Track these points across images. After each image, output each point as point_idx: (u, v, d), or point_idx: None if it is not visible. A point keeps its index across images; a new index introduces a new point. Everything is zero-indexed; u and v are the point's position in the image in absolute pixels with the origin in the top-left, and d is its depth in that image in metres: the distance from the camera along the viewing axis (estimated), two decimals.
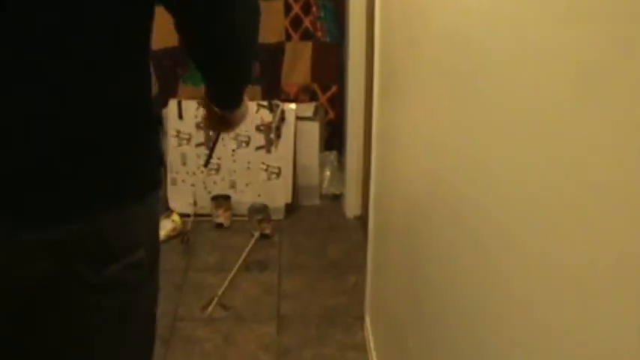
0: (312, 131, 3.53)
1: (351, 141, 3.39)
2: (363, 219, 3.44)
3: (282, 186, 3.48)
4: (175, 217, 3.30)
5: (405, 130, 1.82)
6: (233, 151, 3.46)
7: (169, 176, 3.52)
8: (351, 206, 3.49)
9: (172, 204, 3.49)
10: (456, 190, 1.26)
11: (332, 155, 3.71)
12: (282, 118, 3.44)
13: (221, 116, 1.44)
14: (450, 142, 1.30)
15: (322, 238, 3.31)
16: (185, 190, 3.50)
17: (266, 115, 3.43)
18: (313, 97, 3.66)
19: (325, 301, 2.80)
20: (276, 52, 3.55)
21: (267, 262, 3.10)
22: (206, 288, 2.88)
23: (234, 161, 3.47)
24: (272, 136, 3.43)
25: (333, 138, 3.74)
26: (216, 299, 2.77)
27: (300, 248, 3.22)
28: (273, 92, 3.61)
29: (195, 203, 3.50)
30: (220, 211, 3.38)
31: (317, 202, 3.66)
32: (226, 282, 2.90)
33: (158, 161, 1.24)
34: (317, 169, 3.61)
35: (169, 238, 3.23)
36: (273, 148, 3.45)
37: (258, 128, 3.43)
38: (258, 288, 2.90)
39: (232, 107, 1.43)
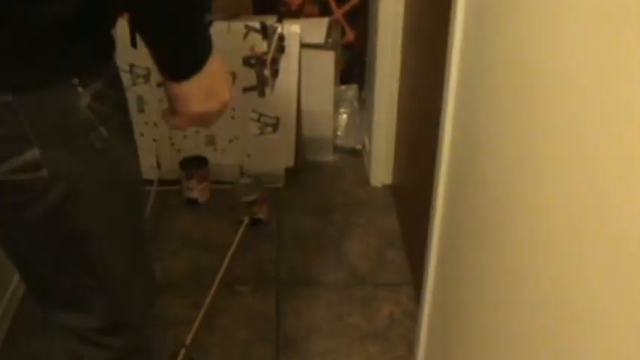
0: (325, 63, 2.46)
1: (380, 72, 2.31)
2: (395, 191, 2.45)
3: (281, 143, 2.46)
4: None
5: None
6: None
7: None
8: (379, 170, 2.48)
9: None
10: None
11: (350, 91, 2.66)
12: (282, 47, 2.36)
13: (180, 94, 0.98)
14: None
15: (336, 223, 2.33)
16: (145, 147, 2.47)
17: (258, 43, 2.35)
18: (325, 11, 2.56)
19: (347, 354, 1.86)
20: None
21: (260, 271, 2.13)
22: (168, 323, 1.94)
23: None
24: (266, 72, 2.36)
25: (353, 68, 2.67)
26: (183, 352, 1.84)
27: (307, 243, 2.25)
28: (268, 4, 2.52)
29: (158, 166, 2.49)
30: (193, 182, 2.38)
31: (330, 157, 2.65)
32: (200, 314, 1.95)
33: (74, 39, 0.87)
34: (330, 115, 2.57)
35: None
36: (268, 90, 2.39)
37: (246, 62, 2.36)
38: (248, 327, 1.95)
39: (190, 63, 0.96)
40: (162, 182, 2.47)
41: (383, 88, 2.33)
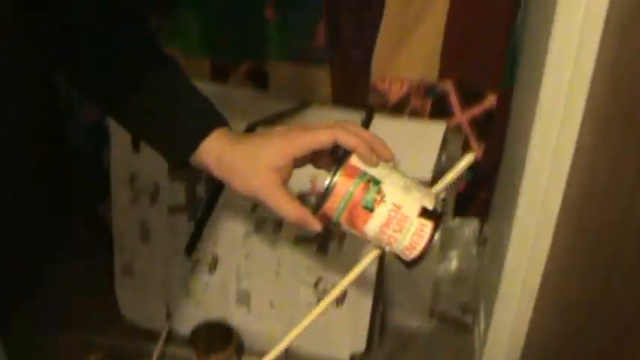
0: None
1: (525, 199, 1.36)
2: None
3: (347, 321, 1.60)
4: None
5: None
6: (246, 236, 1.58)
7: (118, 260, 1.69)
8: None
9: (126, 310, 1.71)
10: None
11: (467, 227, 1.75)
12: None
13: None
14: None
15: None
16: (150, 290, 1.68)
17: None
18: (443, 109, 1.63)
19: None
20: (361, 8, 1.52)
21: None
22: None
23: (246, 256, 1.59)
24: None
25: (475, 191, 1.74)
26: None
27: None
28: (354, 90, 1.63)
29: (169, 316, 1.69)
30: None
31: (423, 326, 1.76)
32: None
33: None
34: (431, 274, 1.68)
35: None
36: (332, 246, 1.53)
37: (302, 198, 1.50)
38: None
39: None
40: (173, 338, 1.68)
41: (525, 227, 1.38)
